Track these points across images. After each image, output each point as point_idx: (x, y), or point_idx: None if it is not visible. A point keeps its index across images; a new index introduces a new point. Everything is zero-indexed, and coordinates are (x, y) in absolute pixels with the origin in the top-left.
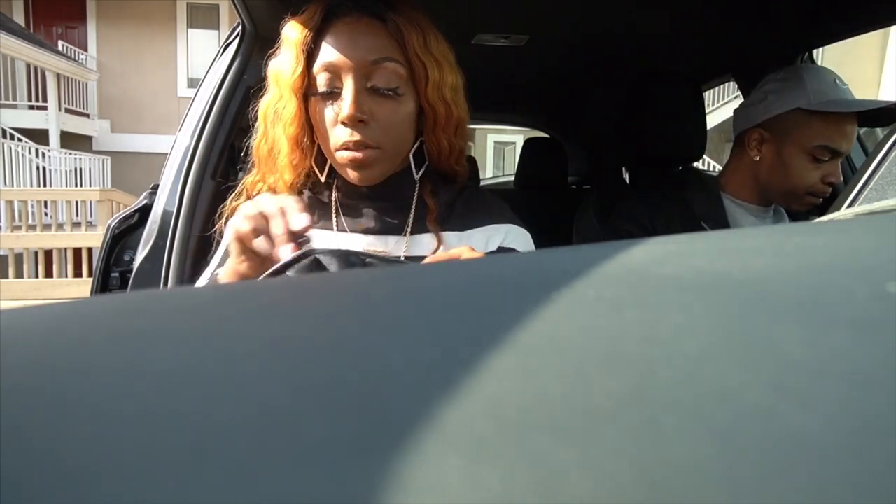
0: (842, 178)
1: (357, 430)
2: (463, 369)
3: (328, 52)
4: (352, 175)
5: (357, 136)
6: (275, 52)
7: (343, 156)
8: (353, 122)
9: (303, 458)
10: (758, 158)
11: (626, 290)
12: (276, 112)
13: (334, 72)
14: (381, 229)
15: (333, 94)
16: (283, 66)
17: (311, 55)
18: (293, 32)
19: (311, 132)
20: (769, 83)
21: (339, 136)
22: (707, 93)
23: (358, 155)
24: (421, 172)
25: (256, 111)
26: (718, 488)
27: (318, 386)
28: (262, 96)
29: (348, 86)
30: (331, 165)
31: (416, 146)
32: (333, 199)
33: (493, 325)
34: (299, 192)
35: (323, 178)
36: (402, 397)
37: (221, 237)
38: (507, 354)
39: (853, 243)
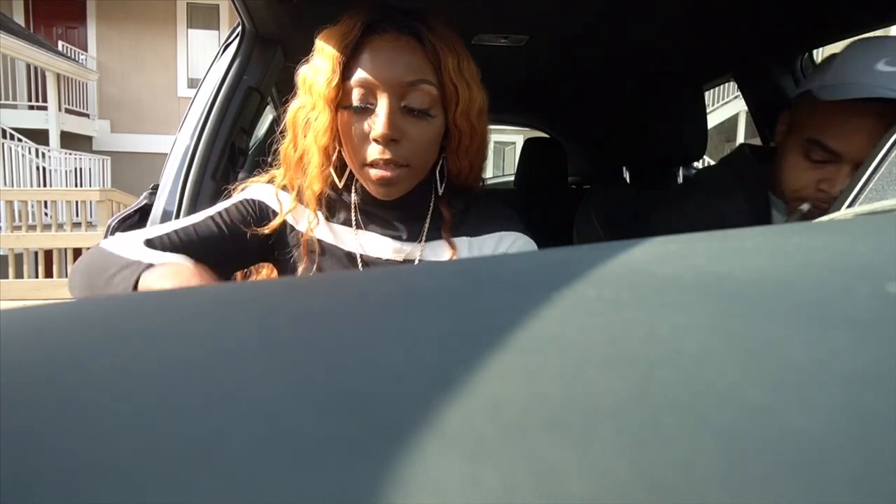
0: (838, 190)
1: (357, 430)
2: (463, 369)
3: (365, 68)
4: (375, 190)
5: (388, 155)
6: (307, 59)
7: (371, 172)
8: (386, 140)
9: (303, 458)
10: (773, 145)
11: (626, 290)
12: (307, 121)
13: (369, 88)
14: (398, 235)
15: (366, 110)
16: (318, 76)
17: (346, 67)
18: (330, 43)
19: (337, 141)
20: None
21: (369, 152)
22: (707, 93)
23: (387, 174)
24: (443, 188)
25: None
26: (718, 488)
27: (318, 386)
28: (288, 101)
29: (383, 104)
30: (350, 171)
31: (439, 162)
32: (353, 200)
33: (493, 325)
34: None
35: (341, 184)
36: (402, 397)
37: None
38: (507, 354)
39: (853, 243)
